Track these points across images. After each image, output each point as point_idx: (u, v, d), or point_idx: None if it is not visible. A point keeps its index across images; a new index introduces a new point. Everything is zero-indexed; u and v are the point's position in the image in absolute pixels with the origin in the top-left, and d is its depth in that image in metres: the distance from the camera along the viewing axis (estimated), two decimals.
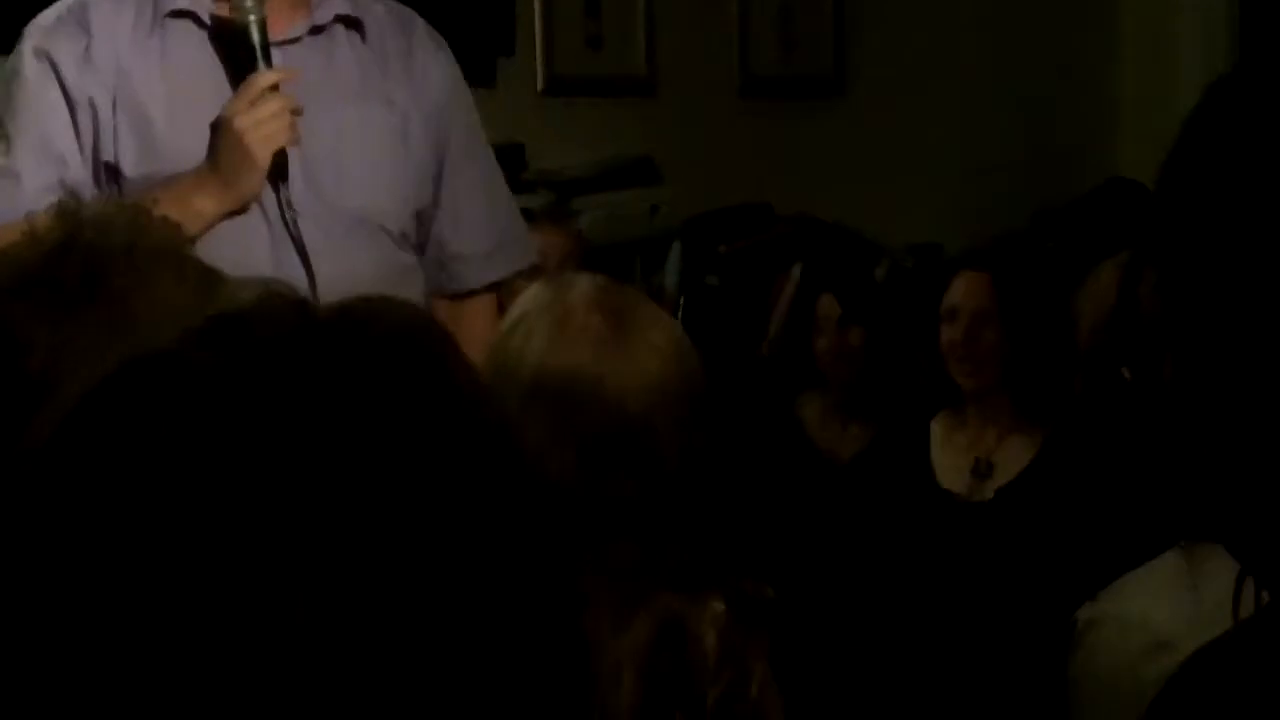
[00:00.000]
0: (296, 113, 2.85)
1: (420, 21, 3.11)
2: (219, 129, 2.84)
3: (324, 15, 2.99)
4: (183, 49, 2.91)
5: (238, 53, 2.89)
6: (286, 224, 2.88)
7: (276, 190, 2.88)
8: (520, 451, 0.94)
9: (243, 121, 2.81)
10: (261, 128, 2.81)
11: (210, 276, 1.63)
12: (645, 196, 5.22)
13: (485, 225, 3.15)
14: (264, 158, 2.83)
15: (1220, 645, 1.06)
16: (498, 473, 0.91)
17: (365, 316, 0.93)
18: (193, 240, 2.81)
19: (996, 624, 3.82)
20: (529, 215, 4.84)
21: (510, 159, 5.01)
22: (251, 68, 2.85)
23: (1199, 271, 1.03)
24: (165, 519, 0.84)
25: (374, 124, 2.97)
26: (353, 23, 3.01)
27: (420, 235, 3.07)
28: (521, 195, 4.94)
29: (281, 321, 0.91)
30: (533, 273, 4.35)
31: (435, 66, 3.08)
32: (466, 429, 0.91)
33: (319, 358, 0.89)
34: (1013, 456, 4.02)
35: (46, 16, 2.94)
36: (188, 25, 2.92)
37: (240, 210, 2.86)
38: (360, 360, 0.90)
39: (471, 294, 3.15)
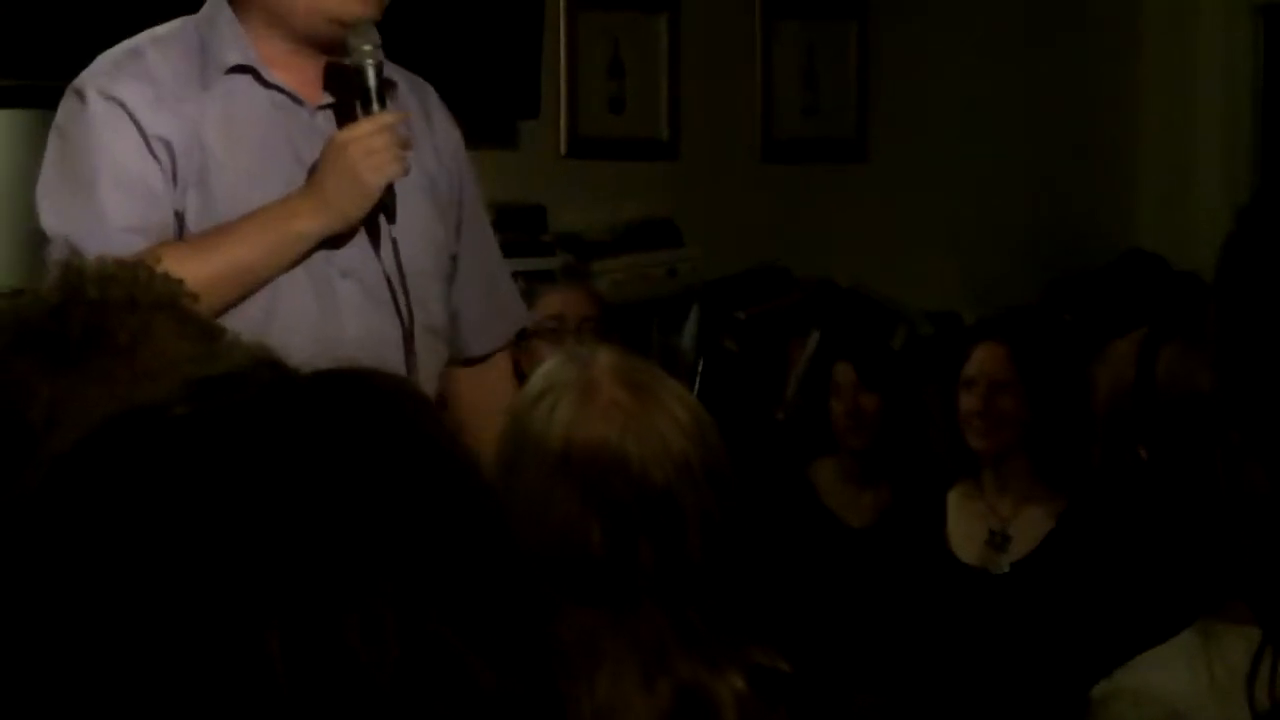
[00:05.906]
0: (407, 147, 2.87)
1: (432, 90, 3.12)
2: (331, 150, 2.84)
3: None
4: (243, 105, 2.89)
5: (349, 96, 2.90)
6: (398, 258, 2.89)
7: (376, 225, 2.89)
8: (500, 516, 0.96)
9: (358, 148, 2.82)
10: (375, 156, 2.82)
11: (210, 330, 1.66)
12: (665, 259, 5.24)
13: (493, 292, 3.16)
14: (374, 184, 2.83)
15: None
16: (471, 532, 0.94)
17: (345, 381, 0.97)
18: (295, 263, 2.81)
19: (1011, 698, 3.81)
20: (549, 276, 4.87)
21: (531, 220, 5.03)
22: (366, 110, 2.87)
23: (1261, 355, 1.03)
24: (133, 564, 0.88)
25: (408, 185, 2.96)
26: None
27: None
28: (542, 256, 4.96)
29: (260, 382, 0.95)
30: (552, 335, 4.39)
31: (450, 133, 3.10)
32: (439, 489, 0.94)
33: (293, 416, 0.93)
34: (1029, 528, 4.02)
35: (101, 64, 2.86)
36: (248, 81, 2.89)
37: (343, 234, 2.86)
38: (334, 421, 0.93)
39: (484, 359, 3.16)
